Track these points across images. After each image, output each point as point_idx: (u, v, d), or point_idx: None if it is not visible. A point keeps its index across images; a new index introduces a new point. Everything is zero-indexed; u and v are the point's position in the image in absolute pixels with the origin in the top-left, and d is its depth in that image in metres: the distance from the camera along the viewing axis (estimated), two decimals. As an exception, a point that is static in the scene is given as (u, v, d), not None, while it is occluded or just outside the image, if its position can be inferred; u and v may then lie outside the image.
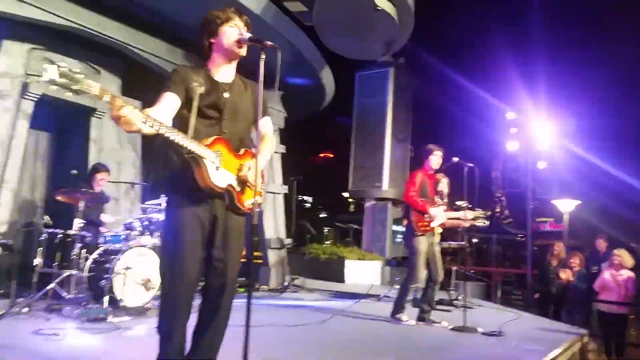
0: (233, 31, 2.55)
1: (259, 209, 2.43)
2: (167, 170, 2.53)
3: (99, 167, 6.19)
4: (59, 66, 1.95)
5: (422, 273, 5.39)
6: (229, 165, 2.53)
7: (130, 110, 2.11)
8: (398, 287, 7.47)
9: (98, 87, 2.06)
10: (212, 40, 2.58)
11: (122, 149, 7.75)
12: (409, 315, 5.51)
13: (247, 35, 2.54)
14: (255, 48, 2.43)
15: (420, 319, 5.50)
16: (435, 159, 5.61)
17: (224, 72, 2.62)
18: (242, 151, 2.62)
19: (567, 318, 7.63)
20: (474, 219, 5.91)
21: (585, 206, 12.76)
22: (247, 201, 2.61)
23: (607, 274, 7.19)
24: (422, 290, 5.59)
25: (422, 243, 5.41)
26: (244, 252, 2.79)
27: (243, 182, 2.59)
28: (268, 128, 2.79)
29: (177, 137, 2.30)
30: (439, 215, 5.54)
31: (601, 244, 8.65)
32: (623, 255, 7.11)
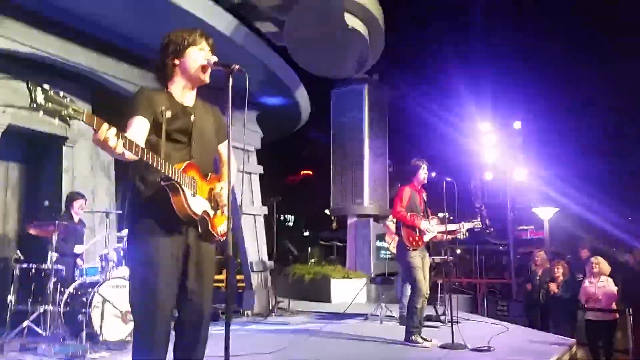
0: (199, 54, 2.46)
1: (229, 236, 2.34)
2: (136, 198, 2.40)
3: (75, 196, 6.19)
4: (44, 89, 1.78)
5: (425, 285, 5.32)
6: (201, 191, 2.44)
7: (115, 134, 2.00)
8: (384, 305, 7.41)
9: (86, 111, 1.92)
10: (177, 62, 2.47)
11: (95, 177, 7.54)
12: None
13: (213, 59, 2.46)
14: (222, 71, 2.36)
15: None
16: (424, 172, 5.66)
17: (187, 95, 2.52)
18: (209, 176, 2.53)
19: (554, 327, 7.60)
20: (467, 228, 5.95)
21: (564, 213, 12.90)
22: (219, 227, 2.51)
23: (587, 282, 7.21)
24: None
25: (415, 258, 5.37)
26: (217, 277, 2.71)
27: (215, 208, 2.50)
28: (229, 151, 2.70)
29: (158, 162, 2.20)
30: (431, 228, 5.53)
31: (585, 254, 8.70)
32: (600, 262, 7.14)
